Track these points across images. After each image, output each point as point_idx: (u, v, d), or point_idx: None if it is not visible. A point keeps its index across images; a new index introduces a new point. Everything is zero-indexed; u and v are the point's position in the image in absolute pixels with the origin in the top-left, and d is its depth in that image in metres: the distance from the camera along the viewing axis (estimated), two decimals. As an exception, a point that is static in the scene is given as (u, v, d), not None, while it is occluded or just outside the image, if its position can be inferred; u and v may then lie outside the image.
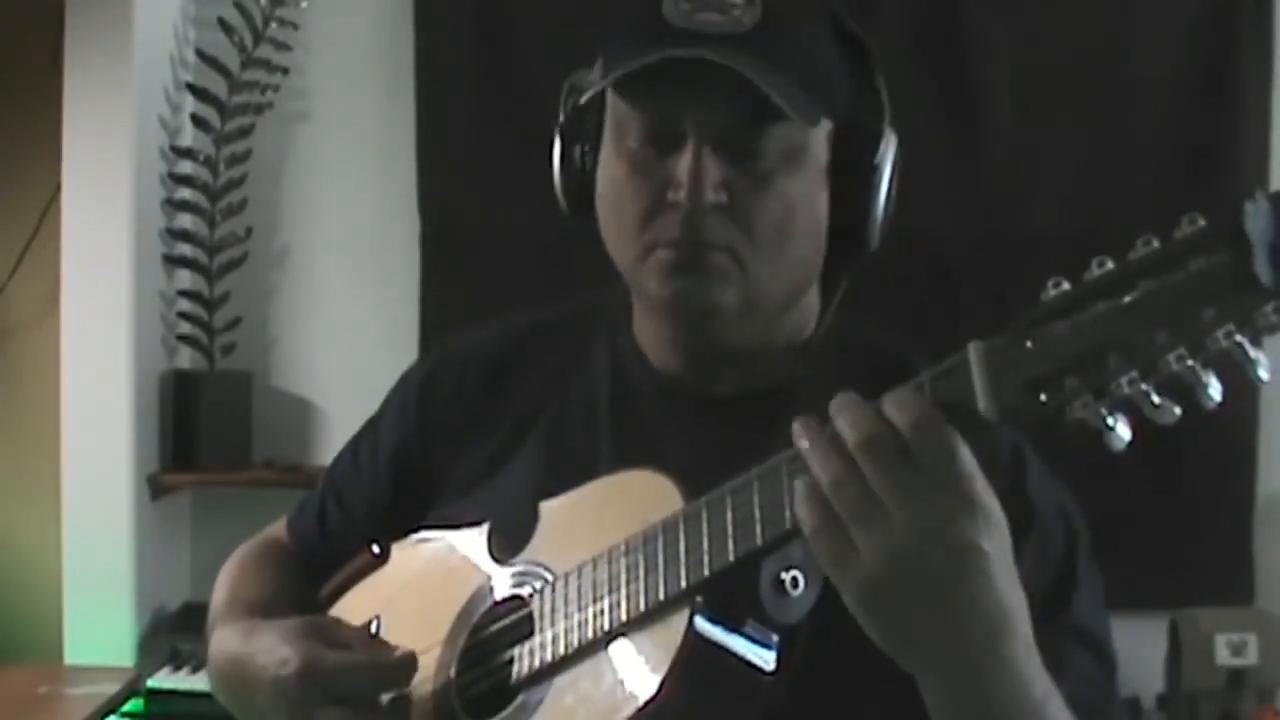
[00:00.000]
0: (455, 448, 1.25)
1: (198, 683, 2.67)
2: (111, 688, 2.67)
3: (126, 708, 2.73)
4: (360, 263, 3.15)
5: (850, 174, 1.12)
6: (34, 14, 2.92)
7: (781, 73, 1.05)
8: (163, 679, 2.78)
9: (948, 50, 3.03)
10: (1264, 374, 0.76)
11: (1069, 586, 1.09)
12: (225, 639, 1.25)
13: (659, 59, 1.04)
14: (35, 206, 2.94)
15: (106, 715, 2.62)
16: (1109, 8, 3.02)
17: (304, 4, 3.08)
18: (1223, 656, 2.79)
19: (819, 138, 1.10)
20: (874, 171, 1.12)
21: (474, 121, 3.07)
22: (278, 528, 1.42)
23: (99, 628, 2.86)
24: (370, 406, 1.38)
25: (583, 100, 1.13)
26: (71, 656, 2.86)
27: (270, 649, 1.15)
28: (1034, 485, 1.11)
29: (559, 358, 1.25)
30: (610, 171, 1.13)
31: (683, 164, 1.06)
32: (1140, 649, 2.71)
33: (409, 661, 1.12)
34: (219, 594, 1.34)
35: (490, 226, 3.04)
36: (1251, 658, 2.79)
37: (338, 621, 1.23)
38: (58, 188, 2.89)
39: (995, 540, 0.87)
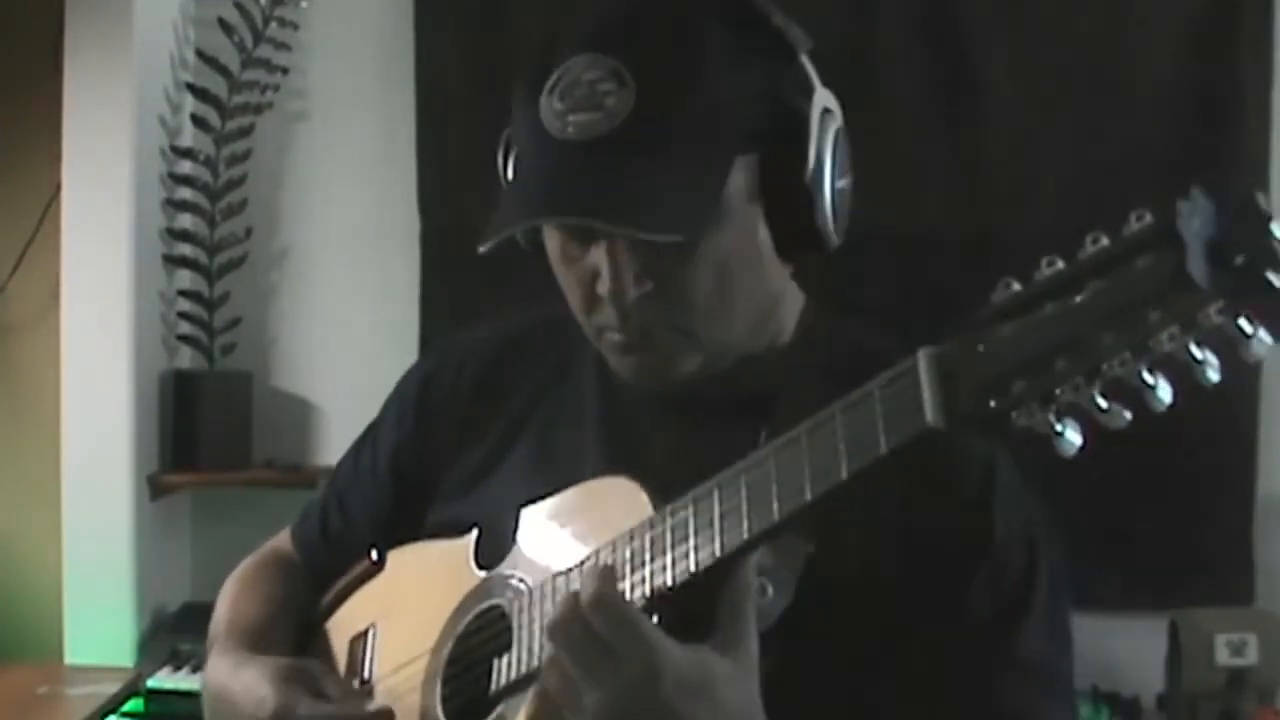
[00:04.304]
0: (452, 449, 1.25)
1: (198, 683, 2.65)
2: (111, 688, 2.67)
3: (126, 708, 2.73)
4: (360, 263, 3.15)
5: (785, 195, 1.06)
6: (34, 14, 2.91)
7: (659, 166, 0.99)
8: (163, 679, 2.78)
9: (948, 49, 3.02)
10: (1214, 375, 0.73)
11: (1018, 614, 1.05)
12: (217, 668, 1.26)
13: (523, 226, 1.09)
14: (35, 206, 2.94)
15: (106, 715, 2.62)
16: (1109, 7, 3.02)
17: (304, 4, 3.08)
18: (1223, 656, 2.78)
19: (735, 175, 1.03)
20: (804, 192, 1.06)
21: (474, 121, 3.05)
22: (282, 538, 1.42)
23: (99, 628, 2.86)
24: (370, 406, 1.38)
25: (485, 248, 1.11)
26: (71, 656, 2.86)
27: (251, 688, 1.17)
28: (1000, 504, 1.06)
29: (553, 358, 1.24)
30: (550, 255, 1.12)
31: (601, 262, 1.05)
32: (1140, 649, 2.70)
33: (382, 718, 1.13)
34: (220, 612, 1.34)
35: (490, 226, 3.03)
36: (1251, 658, 2.78)
37: (324, 669, 1.23)
38: (58, 188, 2.89)
39: (696, 693, 0.88)
